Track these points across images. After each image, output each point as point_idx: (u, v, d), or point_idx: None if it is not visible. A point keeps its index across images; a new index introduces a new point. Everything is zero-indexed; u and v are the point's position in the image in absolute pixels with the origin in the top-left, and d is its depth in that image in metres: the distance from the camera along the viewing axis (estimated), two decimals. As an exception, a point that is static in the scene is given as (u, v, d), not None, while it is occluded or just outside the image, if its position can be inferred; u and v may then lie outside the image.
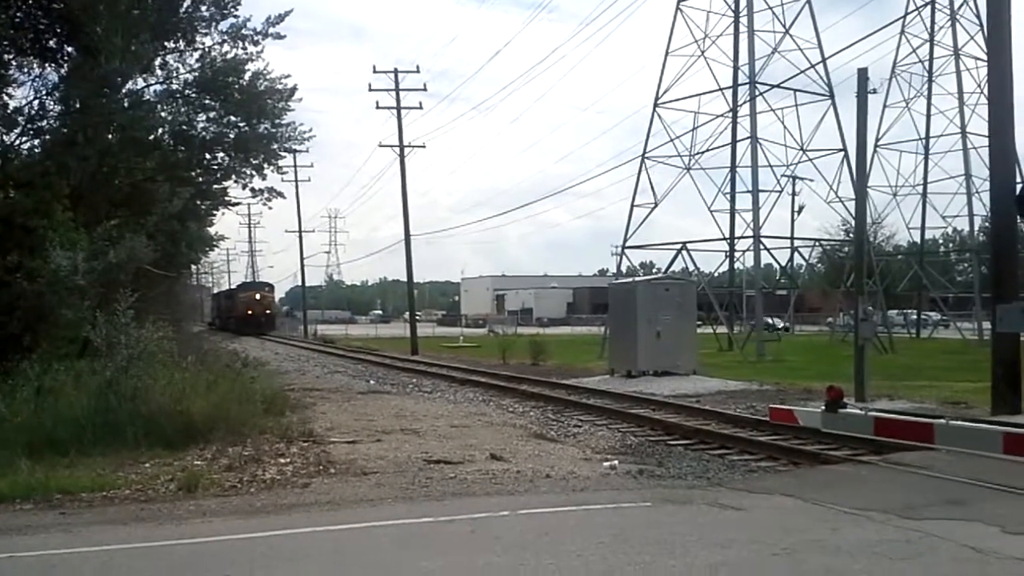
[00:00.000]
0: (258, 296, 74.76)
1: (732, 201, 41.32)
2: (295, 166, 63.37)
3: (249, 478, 9.91)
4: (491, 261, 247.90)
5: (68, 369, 13.14)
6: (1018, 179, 16.37)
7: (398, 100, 43.64)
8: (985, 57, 23.13)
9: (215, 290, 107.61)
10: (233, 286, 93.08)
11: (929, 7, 46.53)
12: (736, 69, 40.19)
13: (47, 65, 19.62)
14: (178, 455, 11.16)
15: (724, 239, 41.01)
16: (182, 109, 22.75)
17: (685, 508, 8.32)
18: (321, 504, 8.65)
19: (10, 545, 7.15)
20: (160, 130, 22.43)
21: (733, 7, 39.95)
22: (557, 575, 6.06)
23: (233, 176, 25.80)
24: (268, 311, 75.28)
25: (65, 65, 19.52)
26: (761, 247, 38.23)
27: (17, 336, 15.62)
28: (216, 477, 9.85)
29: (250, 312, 71.59)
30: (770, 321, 61.04)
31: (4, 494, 8.91)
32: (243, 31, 21.81)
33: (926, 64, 48.17)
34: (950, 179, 49.13)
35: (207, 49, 22.06)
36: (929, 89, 48.42)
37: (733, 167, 41.11)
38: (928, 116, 48.80)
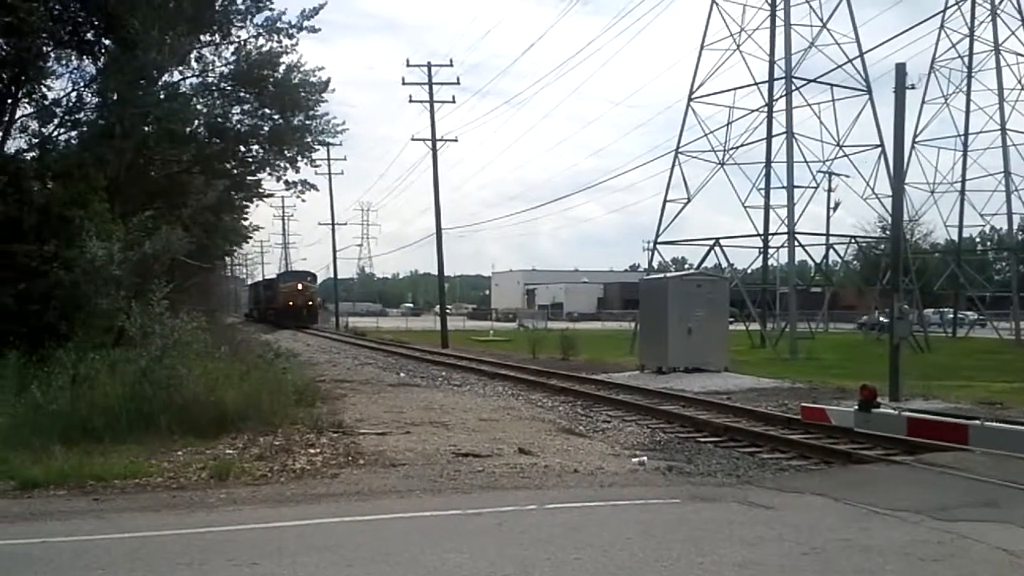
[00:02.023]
0: (300, 287, 70.34)
1: (767, 197, 41.01)
2: (328, 159, 63.83)
3: (279, 468, 10.00)
4: (522, 255, 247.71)
5: (103, 358, 13.31)
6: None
7: (431, 94, 43.75)
8: (1027, 52, 22.70)
9: (249, 281, 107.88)
10: (272, 275, 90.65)
11: (969, 1, 45.81)
12: (772, 63, 39.84)
13: (85, 57, 19.88)
14: (210, 444, 11.29)
15: (758, 235, 40.69)
16: (217, 102, 22.99)
17: (714, 506, 8.27)
18: (350, 495, 8.70)
19: (43, 530, 7.26)
20: (196, 122, 22.67)
21: (769, 0, 39.57)
22: (584, 570, 6.04)
23: (267, 168, 26.04)
24: (310, 303, 71.25)
25: (102, 57, 19.75)
26: (796, 244, 37.86)
27: (53, 324, 15.86)
28: (247, 466, 9.95)
29: (291, 304, 67.94)
30: (882, 319, 58.47)
31: (38, 480, 9.05)
32: (278, 24, 22.02)
33: (965, 59, 47.44)
34: (989, 176, 48.44)
35: (242, 42, 22.30)
36: (968, 85, 47.69)
37: (768, 162, 40.78)
38: (967, 112, 48.09)
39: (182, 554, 6.47)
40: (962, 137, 48.42)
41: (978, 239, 70.95)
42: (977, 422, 11.19)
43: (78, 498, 8.59)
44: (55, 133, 19.76)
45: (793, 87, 37.52)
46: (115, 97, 19.44)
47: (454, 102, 45.37)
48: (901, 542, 6.72)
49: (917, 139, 47.86)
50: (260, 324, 67.03)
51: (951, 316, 53.32)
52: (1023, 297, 47.18)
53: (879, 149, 38.98)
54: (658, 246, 42.93)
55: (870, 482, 9.47)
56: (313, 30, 22.34)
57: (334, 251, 77.63)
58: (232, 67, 22.50)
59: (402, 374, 25.85)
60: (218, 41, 22.39)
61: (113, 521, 7.61)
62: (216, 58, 22.67)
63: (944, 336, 48.10)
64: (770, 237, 40.78)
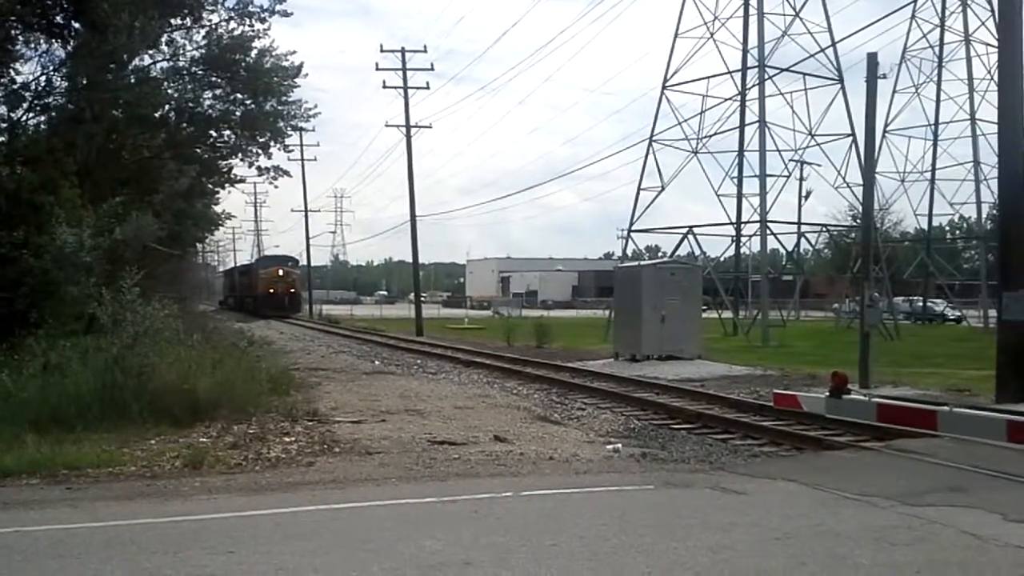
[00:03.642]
0: (281, 272, 65.16)
1: (739, 185, 41.30)
2: (301, 145, 62.51)
3: (254, 456, 9.96)
4: (497, 243, 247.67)
5: (74, 345, 13.19)
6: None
7: (405, 80, 43.55)
8: (996, 43, 22.98)
9: (220, 268, 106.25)
10: (250, 260, 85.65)
11: (940, -8, 46.16)
12: (745, 52, 40.01)
13: (54, 41, 19.61)
14: (184, 432, 11.22)
15: (731, 223, 40.95)
16: (188, 86, 22.77)
17: (687, 492, 8.35)
18: (325, 483, 8.69)
19: (16, 519, 7.20)
20: (166, 107, 22.46)
21: (743, -11, 39.67)
22: (559, 556, 6.08)
23: (239, 154, 25.87)
24: (292, 290, 66.21)
25: (72, 41, 19.50)
26: (768, 232, 38.15)
27: (23, 312, 15.68)
28: (221, 455, 9.91)
29: (272, 291, 63.42)
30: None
31: (11, 469, 8.96)
32: (249, 8, 21.85)
33: (936, 49, 47.89)
34: (958, 166, 48.99)
35: (214, 26, 22.09)
36: (939, 75, 48.16)
37: (741, 151, 41.04)
38: (937, 102, 48.55)
39: (157, 543, 6.44)
40: (932, 126, 48.92)
41: (947, 228, 71.94)
42: (945, 408, 11.38)
43: (51, 487, 8.51)
44: (24, 117, 19.52)
45: (766, 76, 37.73)
46: (85, 81, 19.22)
47: (428, 88, 45.21)
48: (871, 527, 6.82)
49: (888, 128, 48.29)
50: (237, 313, 63.99)
51: (920, 304, 53.97)
52: (991, 285, 47.79)
53: (850, 138, 39.37)
54: (632, 234, 43.17)
55: (841, 468, 9.60)
56: (285, 14, 22.21)
57: (307, 238, 75.75)
58: (203, 51, 22.29)
59: (377, 362, 25.80)
60: (189, 25, 22.15)
61: (87, 510, 7.56)
62: (187, 42, 22.49)
63: (913, 324, 48.69)
64: (742, 225, 41.07)
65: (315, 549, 6.30)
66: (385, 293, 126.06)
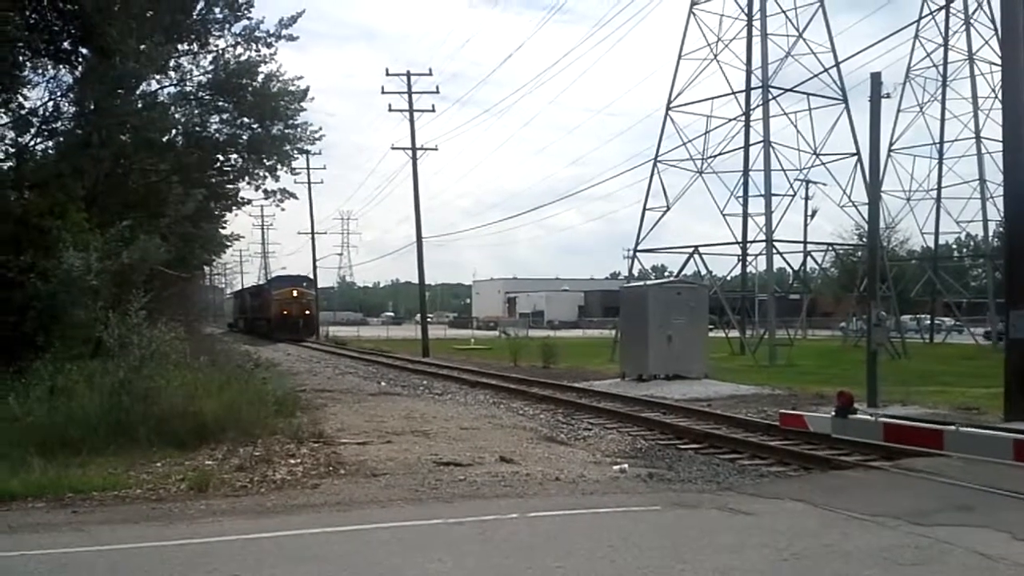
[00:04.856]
0: (296, 293, 61.56)
1: (745, 205, 41.23)
2: (308, 168, 62.66)
3: (260, 478, 9.95)
4: (503, 264, 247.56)
5: (81, 369, 13.19)
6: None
7: (410, 103, 43.76)
8: (999, 61, 23.04)
9: (228, 291, 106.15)
10: (258, 282, 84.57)
11: (943, 11, 46.27)
12: (749, 73, 40.07)
13: (61, 66, 19.77)
14: (189, 455, 11.22)
15: (737, 243, 40.89)
16: (196, 111, 22.92)
17: (695, 512, 8.32)
18: (331, 505, 8.67)
19: (22, 543, 7.19)
20: (174, 131, 22.59)
21: (746, 10, 39.84)
22: (565, 578, 6.06)
23: (246, 177, 26.02)
24: (308, 311, 62.55)
25: (79, 66, 19.65)
26: (774, 251, 38.09)
27: (31, 336, 15.71)
28: (227, 477, 9.89)
29: (286, 313, 60.14)
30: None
31: (17, 492, 8.95)
32: (256, 33, 22.00)
33: (940, 68, 47.91)
34: (964, 184, 48.86)
35: (220, 51, 22.26)
36: (943, 93, 48.18)
37: (746, 171, 40.99)
38: (942, 120, 48.54)
39: (162, 566, 6.44)
40: (937, 145, 48.89)
41: (954, 246, 71.68)
42: (952, 427, 11.29)
43: (57, 510, 8.51)
44: (32, 143, 19.66)
45: (770, 96, 37.78)
46: (92, 106, 19.34)
47: (434, 111, 45.27)
48: (880, 547, 6.78)
49: (893, 147, 48.30)
50: (247, 336, 61.46)
51: (928, 322, 53.76)
52: (999, 303, 47.63)
53: (855, 157, 39.27)
54: (638, 254, 43.07)
55: (849, 488, 9.54)
56: (291, 39, 22.34)
57: (314, 260, 74.69)
58: (210, 76, 22.44)
59: (383, 383, 25.78)
60: (196, 50, 22.33)
61: (92, 534, 7.55)
62: (194, 67, 22.64)
63: (921, 342, 48.49)
64: (748, 245, 41.01)
65: (320, 572, 6.29)
66: (392, 314, 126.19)
